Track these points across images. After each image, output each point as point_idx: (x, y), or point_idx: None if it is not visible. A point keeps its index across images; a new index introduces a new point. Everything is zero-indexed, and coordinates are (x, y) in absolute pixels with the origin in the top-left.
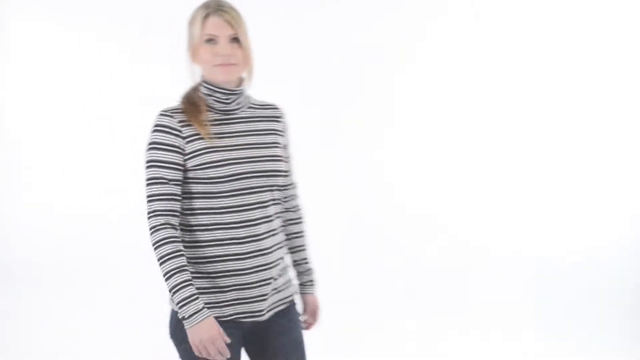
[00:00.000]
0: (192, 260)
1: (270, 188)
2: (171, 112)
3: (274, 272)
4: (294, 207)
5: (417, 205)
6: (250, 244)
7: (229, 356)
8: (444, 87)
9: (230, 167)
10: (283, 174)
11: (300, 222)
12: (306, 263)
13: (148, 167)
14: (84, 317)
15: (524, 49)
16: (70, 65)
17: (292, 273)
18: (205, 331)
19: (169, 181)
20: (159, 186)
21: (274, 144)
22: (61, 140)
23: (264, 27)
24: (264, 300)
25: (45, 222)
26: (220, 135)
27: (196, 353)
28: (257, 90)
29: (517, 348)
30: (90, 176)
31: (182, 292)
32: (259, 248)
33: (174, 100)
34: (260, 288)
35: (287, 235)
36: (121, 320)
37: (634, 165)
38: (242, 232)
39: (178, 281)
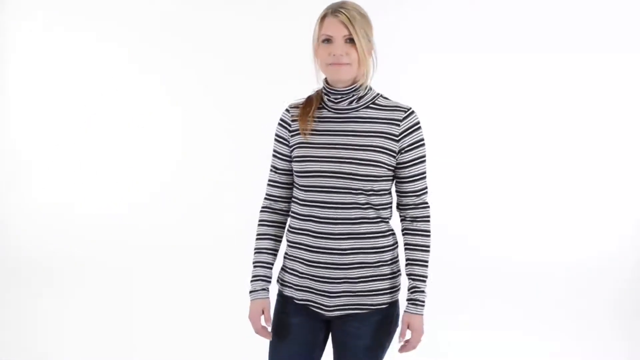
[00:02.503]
0: (286, 242)
1: (352, 190)
2: (290, 107)
3: (349, 274)
4: (412, 218)
5: None
6: (322, 240)
7: (268, 338)
8: (444, 88)
9: (308, 163)
10: (372, 179)
11: (410, 234)
12: (411, 279)
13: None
14: (87, 316)
15: (526, 52)
16: (71, 65)
17: (388, 283)
18: (250, 310)
19: (277, 169)
20: (271, 173)
21: (373, 148)
22: (62, 140)
23: (264, 28)
24: (332, 297)
25: (47, 221)
26: (318, 133)
27: None
28: (258, 91)
29: (517, 348)
30: (91, 176)
31: (252, 271)
32: (332, 246)
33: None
34: (330, 285)
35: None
36: (124, 320)
37: (633, 168)
38: (314, 227)
39: (253, 260)
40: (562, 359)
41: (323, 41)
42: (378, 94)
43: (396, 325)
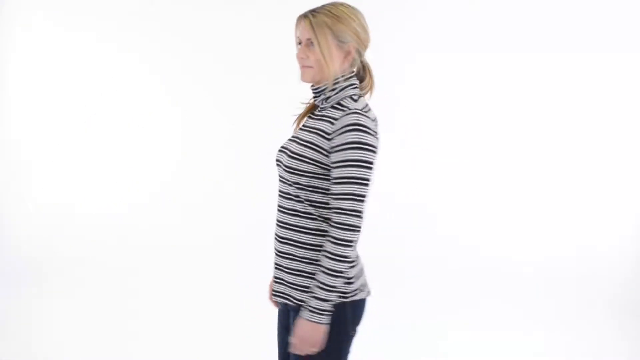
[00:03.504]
0: None
1: (285, 180)
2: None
3: (282, 262)
4: (331, 222)
5: (416, 206)
6: (275, 226)
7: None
8: (442, 87)
9: (277, 153)
10: (296, 172)
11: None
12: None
13: None
14: (87, 316)
15: (524, 52)
16: (71, 65)
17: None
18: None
19: None
20: None
21: (304, 142)
22: (62, 140)
23: (264, 28)
24: (275, 282)
25: (47, 221)
26: (301, 127)
27: None
28: (258, 91)
29: (517, 348)
30: (91, 176)
31: None
32: (276, 232)
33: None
34: (275, 270)
35: None
36: (124, 320)
37: (633, 167)
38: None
39: None
40: (562, 358)
41: (297, 44)
42: (349, 96)
43: (337, 330)
